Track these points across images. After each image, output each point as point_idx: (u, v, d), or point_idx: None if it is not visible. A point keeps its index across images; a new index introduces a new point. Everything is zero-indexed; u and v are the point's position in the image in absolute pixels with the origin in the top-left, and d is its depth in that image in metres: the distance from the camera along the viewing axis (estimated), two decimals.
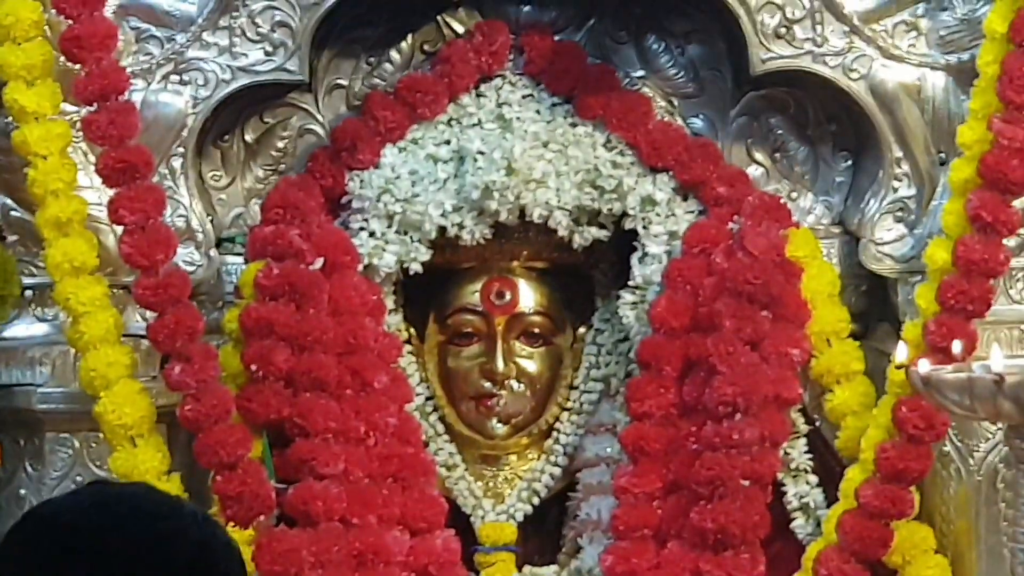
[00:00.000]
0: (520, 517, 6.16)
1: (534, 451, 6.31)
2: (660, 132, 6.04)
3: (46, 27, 5.50)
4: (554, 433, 6.38)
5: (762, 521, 5.92)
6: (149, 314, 5.67)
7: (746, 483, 5.83)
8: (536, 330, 6.39)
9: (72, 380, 5.97)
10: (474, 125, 6.07)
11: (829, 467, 6.03)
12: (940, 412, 5.57)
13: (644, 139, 6.01)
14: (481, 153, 5.96)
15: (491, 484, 6.31)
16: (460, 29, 6.08)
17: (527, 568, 6.19)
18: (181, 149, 5.68)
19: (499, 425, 6.36)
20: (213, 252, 5.90)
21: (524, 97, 6.08)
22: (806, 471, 6.01)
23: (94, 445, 6.02)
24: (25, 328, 6.18)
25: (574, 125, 6.03)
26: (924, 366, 5.09)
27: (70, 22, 5.44)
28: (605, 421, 6.24)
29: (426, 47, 6.11)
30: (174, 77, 5.60)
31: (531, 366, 6.38)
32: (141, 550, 2.55)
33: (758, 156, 6.20)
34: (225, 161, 5.94)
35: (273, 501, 5.64)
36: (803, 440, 6.09)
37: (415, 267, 6.10)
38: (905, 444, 5.61)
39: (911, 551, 5.81)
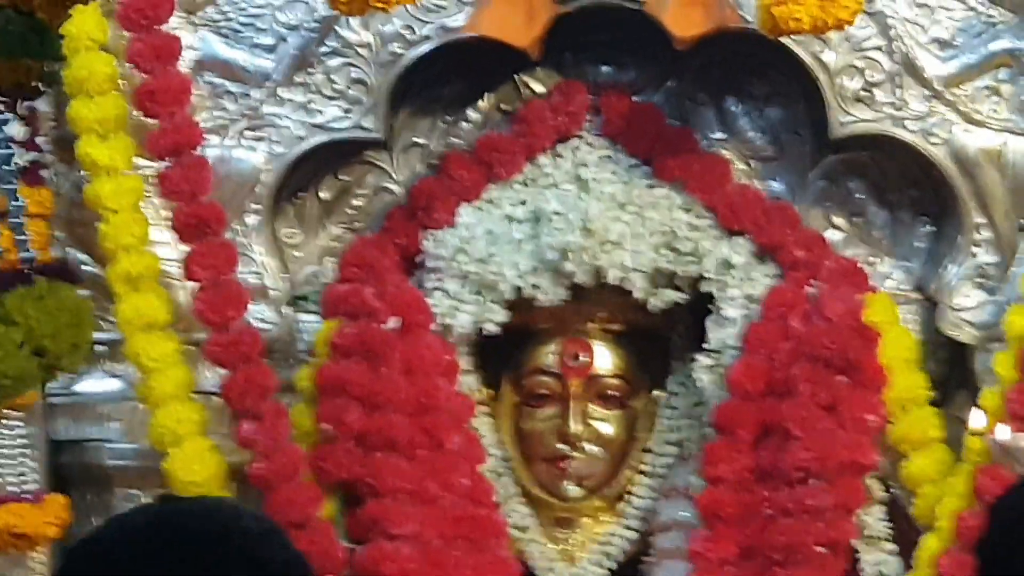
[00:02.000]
0: None
1: (608, 514, 6.05)
2: (738, 195, 5.88)
3: (120, 80, 5.32)
4: (628, 496, 6.10)
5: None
6: (222, 371, 5.50)
7: (821, 550, 5.61)
8: (611, 392, 6.11)
9: (143, 436, 5.72)
10: (551, 186, 5.89)
11: (906, 535, 5.66)
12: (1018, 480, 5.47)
13: (722, 202, 5.84)
14: (558, 214, 5.77)
15: (564, 547, 6.09)
16: (538, 89, 5.93)
17: None
18: (255, 206, 5.58)
19: (573, 487, 6.09)
20: (286, 310, 5.78)
21: (601, 158, 5.86)
22: (882, 539, 5.67)
23: None
24: (96, 383, 5.96)
25: (651, 187, 5.84)
26: (1002, 433, 5.13)
27: (145, 76, 5.31)
28: (679, 485, 5.96)
29: (504, 107, 5.95)
30: (249, 133, 5.49)
31: (606, 428, 6.12)
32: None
33: (837, 220, 5.97)
34: (300, 218, 5.83)
35: (343, 561, 5.50)
36: (879, 507, 5.76)
37: (490, 328, 5.82)
38: (984, 513, 5.30)
39: None
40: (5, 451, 5.92)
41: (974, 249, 5.83)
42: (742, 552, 5.84)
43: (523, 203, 5.94)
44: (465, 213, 5.91)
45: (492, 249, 5.91)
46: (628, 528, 6.09)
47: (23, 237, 6.00)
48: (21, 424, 5.77)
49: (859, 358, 5.79)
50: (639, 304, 5.97)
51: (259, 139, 5.47)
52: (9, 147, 6.03)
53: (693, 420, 6.17)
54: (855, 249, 6.04)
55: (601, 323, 6.21)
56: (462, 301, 5.94)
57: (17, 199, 6.06)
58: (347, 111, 5.56)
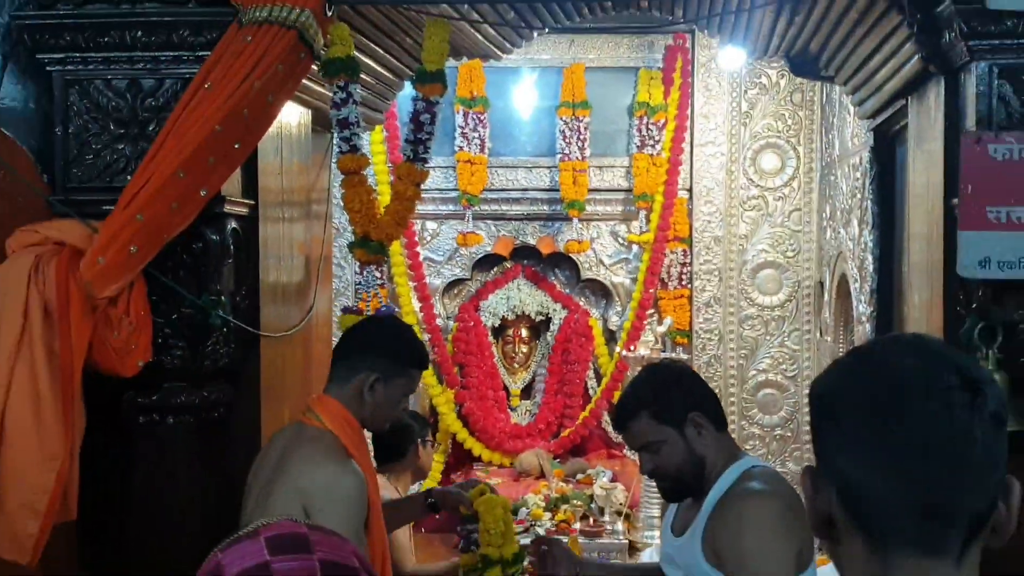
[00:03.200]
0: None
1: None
2: (561, 294, 7.98)
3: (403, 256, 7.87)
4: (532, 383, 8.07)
5: (581, 406, 7.85)
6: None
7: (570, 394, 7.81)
8: (525, 341, 8.08)
9: None
10: (511, 291, 7.95)
11: (599, 376, 7.86)
12: (628, 365, 7.34)
13: (554, 295, 7.97)
14: (511, 299, 7.90)
15: (515, 378, 8.01)
16: (509, 266, 7.97)
17: None
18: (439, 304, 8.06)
19: (516, 366, 8.05)
20: (446, 323, 7.95)
21: (520, 286, 7.97)
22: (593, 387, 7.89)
23: None
24: None
25: (531, 291, 7.93)
26: (624, 352, 7.35)
27: (409, 258, 7.75)
28: (541, 376, 8.03)
29: (495, 278, 7.96)
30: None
31: (524, 350, 8.07)
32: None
33: (587, 309, 8.09)
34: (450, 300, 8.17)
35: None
36: (591, 370, 7.89)
37: (495, 325, 7.93)
38: (619, 372, 7.58)
39: None
40: None
41: (619, 311, 7.91)
42: (560, 400, 7.90)
43: (505, 296, 7.92)
44: (491, 296, 7.95)
45: (497, 307, 7.91)
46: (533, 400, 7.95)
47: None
48: None
49: (585, 335, 7.88)
50: (534, 319, 8.00)
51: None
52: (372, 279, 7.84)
53: (546, 355, 8.04)
54: (589, 309, 8.03)
55: (524, 324, 8.05)
56: (487, 317, 7.94)
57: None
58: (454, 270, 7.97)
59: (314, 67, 3.79)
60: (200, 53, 3.50)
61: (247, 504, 3.00)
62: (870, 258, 5.08)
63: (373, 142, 7.78)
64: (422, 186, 4.18)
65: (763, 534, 2.61)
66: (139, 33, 3.53)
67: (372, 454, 3.57)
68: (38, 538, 3.03)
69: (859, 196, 5.59)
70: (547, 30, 4.83)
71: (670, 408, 2.88)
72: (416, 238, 8.12)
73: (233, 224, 3.58)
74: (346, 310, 4.41)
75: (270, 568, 1.32)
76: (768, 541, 2.61)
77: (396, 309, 7.62)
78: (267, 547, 1.34)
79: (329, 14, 3.67)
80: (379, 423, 3.15)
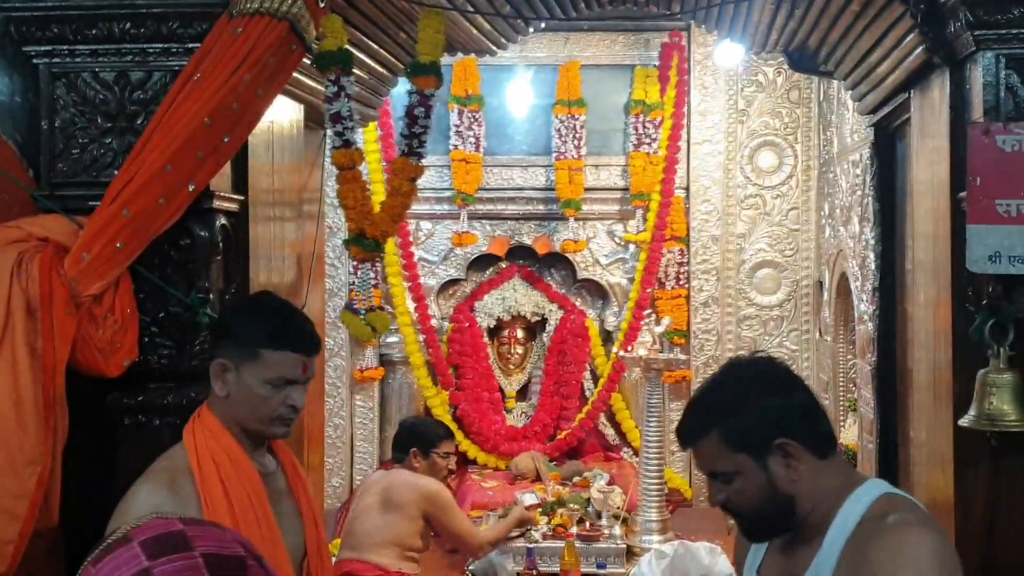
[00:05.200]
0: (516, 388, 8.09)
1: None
2: (558, 296, 8.05)
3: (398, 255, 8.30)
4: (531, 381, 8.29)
5: (578, 407, 7.96)
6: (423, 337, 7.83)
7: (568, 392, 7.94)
8: (522, 340, 8.26)
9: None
10: (507, 291, 8.04)
11: (595, 377, 8.05)
12: (625, 365, 7.52)
13: (550, 295, 8.08)
14: (506, 299, 7.98)
15: (510, 380, 8.08)
16: (504, 266, 8.20)
17: None
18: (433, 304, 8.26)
19: (512, 367, 8.25)
20: (441, 323, 8.00)
21: (515, 286, 8.04)
22: (591, 381, 8.04)
23: None
24: (393, 336, 7.90)
25: (528, 290, 8.04)
26: (621, 352, 7.29)
27: (405, 260, 8.32)
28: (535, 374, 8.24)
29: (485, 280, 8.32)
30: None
31: (519, 351, 8.16)
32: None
33: (582, 308, 8.12)
34: (444, 300, 8.14)
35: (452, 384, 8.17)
36: (588, 371, 8.08)
37: (490, 326, 8.10)
38: (616, 372, 7.74)
39: None
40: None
41: (616, 311, 8.00)
42: (556, 402, 8.04)
43: (500, 296, 8.07)
44: (486, 297, 8.10)
45: (492, 307, 8.04)
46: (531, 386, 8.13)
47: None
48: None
49: (581, 335, 8.07)
50: (529, 320, 8.17)
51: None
52: (367, 279, 7.27)
53: (542, 356, 8.18)
54: (585, 309, 8.17)
55: (520, 325, 8.23)
56: (483, 318, 8.09)
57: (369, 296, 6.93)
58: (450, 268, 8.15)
59: (306, 60, 3.72)
60: (190, 45, 3.43)
61: None
62: (871, 255, 5.03)
63: (367, 140, 7.82)
64: (417, 184, 4.12)
65: (924, 571, 2.00)
66: (128, 25, 3.44)
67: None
68: (17, 544, 2.91)
69: (859, 193, 5.63)
70: (543, 25, 4.90)
71: (748, 430, 2.18)
72: (410, 238, 8.20)
73: (222, 220, 3.48)
74: (349, 307, 4.48)
75: (151, 575, 1.25)
76: None
77: (391, 310, 7.66)
78: (143, 551, 1.26)
79: (322, 5, 3.57)
80: (253, 422, 2.58)
